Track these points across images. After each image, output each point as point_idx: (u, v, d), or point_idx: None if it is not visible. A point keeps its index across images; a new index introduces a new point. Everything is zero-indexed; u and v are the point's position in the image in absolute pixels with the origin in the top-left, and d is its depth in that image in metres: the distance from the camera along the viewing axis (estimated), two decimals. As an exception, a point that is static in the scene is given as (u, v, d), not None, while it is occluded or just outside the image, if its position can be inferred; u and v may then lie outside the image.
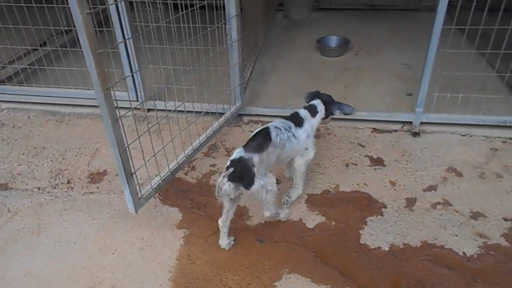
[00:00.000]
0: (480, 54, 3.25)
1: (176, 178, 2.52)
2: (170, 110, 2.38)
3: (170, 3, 2.83)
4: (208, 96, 2.72)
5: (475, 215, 2.16)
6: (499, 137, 2.75)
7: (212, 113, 2.78)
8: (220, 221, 2.02)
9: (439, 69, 2.69)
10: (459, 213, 2.19)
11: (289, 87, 3.49)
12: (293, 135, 2.08)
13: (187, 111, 2.46)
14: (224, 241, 2.07)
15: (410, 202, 2.27)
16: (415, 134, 2.84)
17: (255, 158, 1.85)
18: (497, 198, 2.27)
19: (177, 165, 2.40)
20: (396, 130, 2.91)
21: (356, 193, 2.36)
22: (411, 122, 2.88)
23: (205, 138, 2.69)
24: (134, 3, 3.38)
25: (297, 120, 2.15)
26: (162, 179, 2.25)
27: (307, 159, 2.18)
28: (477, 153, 2.62)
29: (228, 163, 1.87)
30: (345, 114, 2.31)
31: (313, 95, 2.34)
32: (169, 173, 2.33)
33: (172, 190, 2.46)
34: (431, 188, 2.37)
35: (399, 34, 4.51)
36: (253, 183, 1.84)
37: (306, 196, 2.36)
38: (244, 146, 1.91)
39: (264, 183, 1.89)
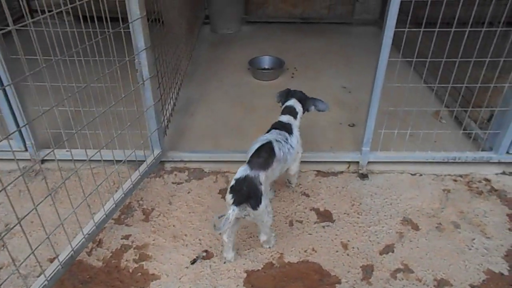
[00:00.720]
0: (429, 87, 3.05)
1: (76, 261, 1.94)
2: (73, 160, 1.80)
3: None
4: (121, 142, 2.16)
5: (440, 284, 1.87)
6: (449, 175, 2.54)
7: (129, 161, 2.22)
8: (224, 237, 1.86)
9: (385, 104, 2.39)
10: (422, 282, 1.88)
11: (220, 121, 3.02)
12: (290, 145, 2.02)
13: (94, 160, 1.89)
14: (230, 253, 1.94)
15: (367, 272, 1.93)
16: (363, 176, 2.53)
17: (262, 175, 1.76)
18: (459, 257, 2.00)
19: (83, 239, 1.84)
20: (342, 172, 2.57)
21: (305, 264, 1.96)
22: (357, 162, 2.57)
23: (122, 195, 2.14)
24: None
25: (286, 128, 2.08)
26: (62, 264, 1.69)
27: (299, 161, 2.21)
28: (430, 197, 2.37)
29: (233, 182, 1.74)
30: (319, 111, 2.27)
31: (286, 94, 2.29)
32: (72, 252, 1.77)
33: (69, 281, 1.87)
34: (388, 248, 2.04)
35: (334, 51, 4.25)
36: (260, 203, 1.73)
37: (245, 275, 1.91)
38: (249, 163, 1.80)
39: (266, 203, 1.79)
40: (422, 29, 2.14)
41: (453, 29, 2.13)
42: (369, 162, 2.56)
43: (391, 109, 2.37)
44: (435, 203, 2.33)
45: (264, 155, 1.84)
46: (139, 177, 2.25)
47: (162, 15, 2.64)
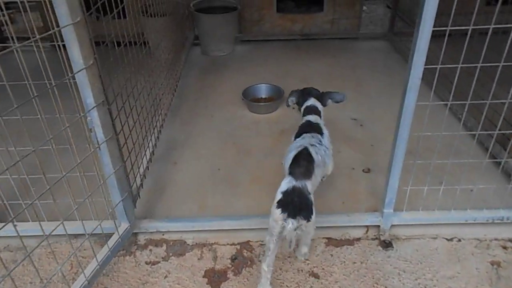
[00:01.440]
0: (468, 132, 2.50)
1: None
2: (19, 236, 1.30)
3: None
4: (83, 212, 1.66)
5: None
6: (497, 239, 2.01)
7: (93, 234, 1.72)
8: (265, 266, 1.72)
9: (410, 154, 1.88)
10: None
11: (208, 171, 2.52)
12: (325, 146, 1.96)
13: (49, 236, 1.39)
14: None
15: None
16: (387, 245, 2.00)
17: (309, 185, 1.70)
18: None
19: None
20: (359, 239, 2.05)
21: None
22: (378, 226, 2.05)
23: (85, 283, 1.64)
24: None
25: (316, 129, 2.04)
26: None
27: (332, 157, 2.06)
28: (476, 275, 1.84)
29: (280, 196, 1.65)
30: (337, 102, 2.26)
31: (302, 94, 2.28)
32: None
33: None
34: None
35: (340, 73, 3.74)
36: (312, 214, 1.64)
37: None
38: (291, 174, 1.72)
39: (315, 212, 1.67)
40: (460, 65, 1.62)
41: (501, 63, 1.61)
42: (392, 225, 2.04)
43: (419, 162, 1.85)
44: (483, 284, 1.80)
45: (304, 163, 1.77)
46: (108, 254, 1.75)
47: (141, 38, 2.16)
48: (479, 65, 1.60)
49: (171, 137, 2.86)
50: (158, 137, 2.68)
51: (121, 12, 1.99)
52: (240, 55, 4.22)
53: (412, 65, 1.55)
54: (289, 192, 1.64)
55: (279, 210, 1.60)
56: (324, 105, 2.23)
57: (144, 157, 2.35)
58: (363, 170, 2.49)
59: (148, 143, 2.45)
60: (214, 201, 2.28)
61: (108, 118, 1.64)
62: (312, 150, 1.83)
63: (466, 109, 1.75)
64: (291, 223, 1.58)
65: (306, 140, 1.92)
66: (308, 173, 1.73)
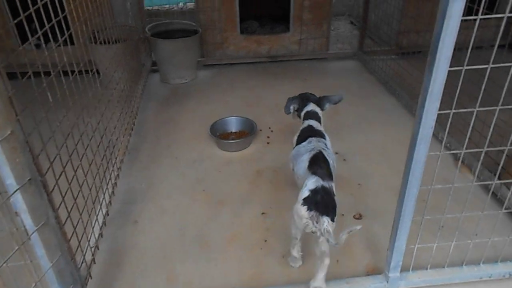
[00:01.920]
0: (482, 183, 2.25)
1: None
2: None
3: None
4: None
5: None
6: (515, 297, 1.76)
7: None
8: (295, 252, 1.83)
9: (418, 209, 1.60)
10: None
11: (175, 230, 2.13)
12: (331, 151, 2.00)
13: None
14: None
15: None
16: (394, 315, 1.70)
17: (333, 186, 1.72)
18: None
19: None
20: (361, 309, 1.74)
21: None
22: None
23: None
24: None
25: (321, 134, 2.09)
26: None
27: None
28: None
29: (307, 193, 1.63)
30: (335, 103, 2.33)
31: (301, 100, 2.33)
32: None
33: None
34: None
35: (315, 99, 3.48)
36: (335, 215, 1.62)
37: None
38: (316, 173, 1.71)
39: None
40: (476, 109, 1.36)
41: (522, 104, 1.37)
42: (398, 289, 1.75)
43: (428, 218, 1.57)
44: None
45: (324, 166, 1.80)
46: None
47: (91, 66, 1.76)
48: (498, 107, 1.34)
49: (130, 187, 2.44)
50: (113, 191, 2.26)
51: (67, 39, 1.76)
52: (204, 82, 3.87)
53: (423, 113, 1.27)
54: (318, 191, 1.64)
55: (305, 207, 1.61)
56: (322, 109, 2.30)
57: (96, 223, 1.93)
58: (354, 217, 2.20)
59: (101, 204, 2.03)
60: (184, 270, 1.89)
61: (39, 200, 1.23)
62: (325, 153, 1.88)
63: (481, 159, 1.49)
64: (327, 221, 1.56)
65: (313, 143, 1.96)
66: (331, 175, 1.77)
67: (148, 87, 3.76)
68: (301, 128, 2.19)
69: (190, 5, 5.70)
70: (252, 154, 2.75)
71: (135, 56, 3.51)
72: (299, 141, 2.08)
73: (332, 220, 1.59)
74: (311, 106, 2.27)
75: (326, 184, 1.68)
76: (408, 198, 1.45)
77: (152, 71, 4.05)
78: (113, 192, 2.25)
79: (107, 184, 2.18)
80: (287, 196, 2.34)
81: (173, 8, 5.83)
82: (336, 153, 2.72)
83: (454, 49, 1.16)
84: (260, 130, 2.99)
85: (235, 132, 2.95)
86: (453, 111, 1.33)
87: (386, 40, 4.40)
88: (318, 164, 1.80)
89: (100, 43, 3.05)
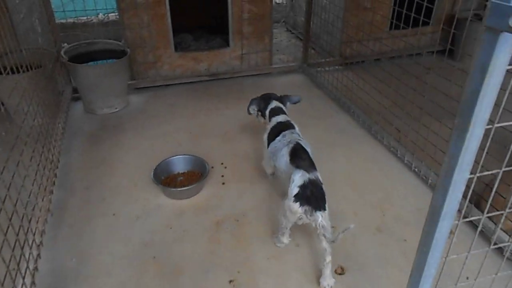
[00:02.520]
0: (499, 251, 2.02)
1: None
2: None
3: None
4: None
5: None
6: None
7: None
8: (285, 239, 1.96)
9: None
10: None
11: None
12: (303, 139, 2.06)
13: None
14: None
15: None
16: None
17: (319, 175, 1.78)
18: None
19: None
20: None
21: None
22: None
23: None
24: None
25: (290, 125, 2.16)
26: None
27: None
28: None
29: (297, 190, 1.69)
30: (294, 103, 2.43)
31: (264, 100, 2.35)
32: None
33: None
34: None
35: (266, 123, 3.16)
36: (326, 203, 1.72)
37: None
38: (300, 167, 1.77)
39: None
40: (502, 169, 1.11)
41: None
42: None
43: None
44: None
45: (305, 156, 1.86)
46: None
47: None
48: (523, 165, 1.11)
49: (56, 265, 1.92)
50: (33, 281, 1.72)
51: None
52: (138, 109, 3.36)
53: (449, 185, 0.99)
54: (306, 185, 1.69)
55: (297, 204, 1.68)
56: (284, 106, 2.34)
57: None
58: (335, 271, 1.91)
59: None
60: None
61: None
62: (302, 143, 1.94)
63: (501, 223, 1.26)
64: (321, 216, 1.66)
65: (288, 136, 2.01)
66: (313, 164, 1.82)
67: (70, 120, 3.17)
68: (269, 126, 2.22)
69: (113, 15, 5.09)
70: (207, 201, 2.35)
71: (50, 84, 2.92)
72: (271, 138, 2.13)
73: (324, 209, 1.69)
74: (275, 103, 2.31)
75: (312, 176, 1.73)
76: (425, 280, 1.17)
77: (74, 99, 3.45)
78: (33, 282, 1.72)
79: (24, 272, 1.65)
80: (256, 254, 1.98)
81: (92, 20, 5.16)
82: (301, 189, 2.43)
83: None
84: (212, 167, 2.60)
85: (183, 173, 2.53)
86: (478, 175, 1.07)
87: (328, 51, 4.23)
88: (299, 156, 1.85)
89: (0, 72, 2.43)
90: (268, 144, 2.16)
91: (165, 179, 2.46)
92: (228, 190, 2.43)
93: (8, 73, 2.17)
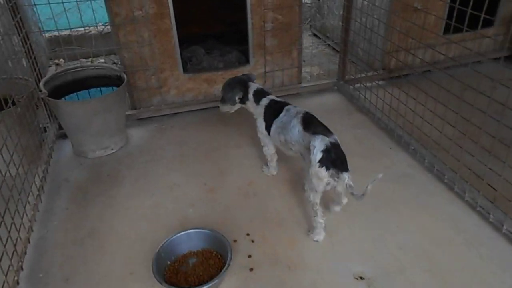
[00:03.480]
0: None
1: None
2: None
3: None
4: None
5: None
6: None
7: None
8: (320, 219, 1.88)
9: None
10: None
11: None
12: None
13: None
14: (322, 234, 1.92)
15: None
16: None
17: (337, 138, 1.81)
18: None
19: None
20: None
21: None
22: None
23: None
24: None
25: (286, 103, 2.11)
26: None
27: None
28: None
29: (321, 155, 1.69)
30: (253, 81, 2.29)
31: (242, 86, 2.21)
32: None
33: None
34: None
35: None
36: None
37: None
38: (318, 133, 1.78)
39: None
40: None
41: None
42: None
43: None
44: None
45: (318, 121, 1.91)
46: None
47: None
48: None
49: None
50: None
51: None
52: (139, 149, 2.70)
53: None
54: (329, 149, 1.70)
55: (323, 168, 1.69)
56: None
57: None
58: None
59: None
60: None
61: None
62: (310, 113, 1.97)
63: None
64: (347, 177, 1.72)
65: (292, 109, 1.99)
66: (328, 128, 1.85)
67: (54, 166, 2.53)
68: (261, 108, 2.13)
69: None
70: (230, 300, 1.68)
71: (28, 122, 2.29)
72: (270, 118, 2.07)
73: (348, 170, 1.73)
74: (255, 85, 2.21)
75: (331, 139, 1.75)
76: None
77: (61, 136, 2.81)
78: None
79: None
80: None
81: (90, 31, 4.53)
82: (361, 277, 1.74)
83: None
84: (235, 241, 1.93)
85: (196, 252, 1.86)
86: None
87: (367, 62, 3.51)
88: (313, 122, 1.88)
89: None
90: (269, 126, 2.08)
91: (173, 264, 1.79)
92: (259, 281, 1.75)
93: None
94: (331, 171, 1.71)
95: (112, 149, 2.64)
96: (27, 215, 1.92)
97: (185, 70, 3.02)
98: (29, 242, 1.89)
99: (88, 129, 2.48)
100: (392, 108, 2.65)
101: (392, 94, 2.64)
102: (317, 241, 1.91)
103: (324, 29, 4.44)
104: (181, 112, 3.06)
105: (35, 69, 2.57)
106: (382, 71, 3.38)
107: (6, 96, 2.14)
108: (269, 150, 2.25)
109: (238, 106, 2.27)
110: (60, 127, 2.77)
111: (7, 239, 1.66)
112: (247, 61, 3.16)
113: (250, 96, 2.18)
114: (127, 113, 2.88)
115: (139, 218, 2.11)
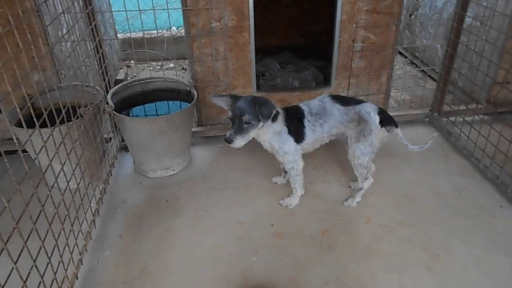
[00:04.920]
0: None
1: None
2: None
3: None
4: None
5: None
6: None
7: None
8: (370, 181, 2.13)
9: None
10: None
11: None
12: None
13: None
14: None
15: None
16: None
17: None
18: None
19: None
20: None
21: None
22: None
23: None
24: None
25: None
26: None
27: None
28: None
29: (378, 117, 1.92)
30: None
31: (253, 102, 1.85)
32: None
33: None
34: None
35: (382, 220, 2.08)
36: None
37: None
38: (360, 102, 1.98)
39: None
40: None
41: None
42: None
43: None
44: None
45: (346, 97, 2.19)
46: None
47: None
48: None
49: None
50: None
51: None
52: (201, 172, 2.47)
53: None
54: (382, 110, 1.97)
55: (383, 128, 1.95)
56: None
57: None
58: None
59: None
60: None
61: None
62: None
63: None
64: (400, 132, 2.00)
65: (312, 101, 2.05)
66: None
67: (114, 181, 2.37)
68: (282, 120, 1.95)
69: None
70: None
71: (92, 132, 2.13)
72: (299, 122, 1.98)
73: (397, 125, 2.01)
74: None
75: (374, 105, 2.00)
76: None
77: (124, 148, 2.66)
78: None
79: None
80: None
81: (163, 35, 4.43)
82: None
83: None
84: (305, 311, 1.59)
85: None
86: None
87: (468, 92, 3.01)
88: (344, 98, 2.05)
89: (30, 123, 1.63)
90: (300, 131, 1.98)
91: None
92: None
93: (34, 125, 1.40)
94: (388, 127, 1.96)
95: (173, 170, 2.43)
96: (77, 247, 1.73)
97: (258, 88, 2.74)
98: (77, 279, 1.70)
99: (151, 148, 2.28)
100: (502, 153, 2.16)
101: (501, 134, 2.16)
102: (358, 202, 2.13)
103: (413, 48, 3.95)
104: (250, 133, 2.78)
105: (104, 79, 2.42)
106: (486, 104, 2.86)
107: (74, 103, 1.99)
108: (300, 164, 2.05)
109: (255, 132, 1.87)
110: (123, 139, 2.62)
111: (56, 271, 1.47)
112: (327, 82, 2.81)
113: (280, 116, 1.96)
114: (193, 129, 2.66)
115: (196, 261, 1.85)
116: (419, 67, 3.74)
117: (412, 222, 2.04)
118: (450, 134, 2.66)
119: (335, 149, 2.60)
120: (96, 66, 2.33)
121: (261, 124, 1.83)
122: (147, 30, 4.44)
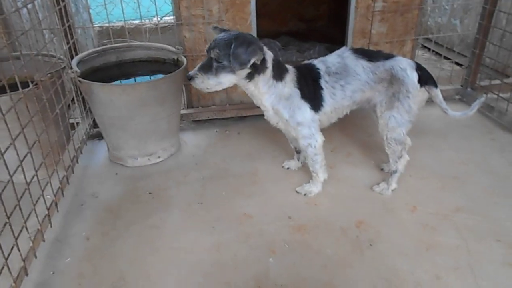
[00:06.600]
0: None
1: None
2: None
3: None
4: None
5: None
6: None
7: None
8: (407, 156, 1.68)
9: None
10: None
11: None
12: None
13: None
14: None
15: None
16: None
17: None
18: None
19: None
20: None
21: None
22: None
23: None
24: None
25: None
26: None
27: None
28: None
29: (416, 74, 1.53)
30: None
31: (258, 42, 1.42)
32: None
33: None
34: None
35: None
36: None
37: None
38: (390, 57, 1.57)
39: None
40: None
41: None
42: None
43: None
44: None
45: (372, 50, 1.68)
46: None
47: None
48: None
49: None
50: None
51: None
52: (194, 159, 1.97)
53: None
54: (419, 66, 1.56)
55: (422, 88, 1.56)
56: None
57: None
58: None
59: None
60: None
61: None
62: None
63: None
64: (439, 93, 1.60)
65: (329, 57, 1.61)
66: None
67: (80, 174, 1.86)
68: (293, 80, 1.52)
69: (172, 19, 3.87)
70: None
71: (52, 113, 1.62)
72: (314, 83, 1.54)
73: (436, 85, 1.59)
74: (271, 53, 1.49)
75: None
76: None
77: (95, 136, 2.16)
78: None
79: None
80: None
81: (146, 24, 3.98)
82: None
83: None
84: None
85: None
86: None
87: (501, 66, 2.61)
88: (370, 51, 1.63)
89: None
90: (317, 94, 1.54)
91: None
92: None
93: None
94: (426, 86, 1.57)
95: (158, 157, 1.93)
96: (19, 250, 1.21)
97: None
98: (17, 295, 1.17)
99: (129, 126, 1.78)
100: None
101: None
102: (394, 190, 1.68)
103: (429, 28, 3.57)
104: (251, 116, 2.31)
105: (68, 42, 1.93)
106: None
107: (32, 78, 1.50)
108: (319, 139, 1.59)
109: (236, 80, 1.42)
110: (96, 125, 2.11)
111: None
112: (341, 54, 2.38)
113: (269, 66, 1.44)
114: (182, 112, 2.19)
115: (191, 267, 1.34)
116: (433, 50, 3.34)
117: (471, 208, 1.57)
118: (492, 109, 2.23)
119: (354, 128, 2.16)
120: (57, 22, 1.84)
121: (243, 72, 1.36)
122: (128, 20, 4.00)
